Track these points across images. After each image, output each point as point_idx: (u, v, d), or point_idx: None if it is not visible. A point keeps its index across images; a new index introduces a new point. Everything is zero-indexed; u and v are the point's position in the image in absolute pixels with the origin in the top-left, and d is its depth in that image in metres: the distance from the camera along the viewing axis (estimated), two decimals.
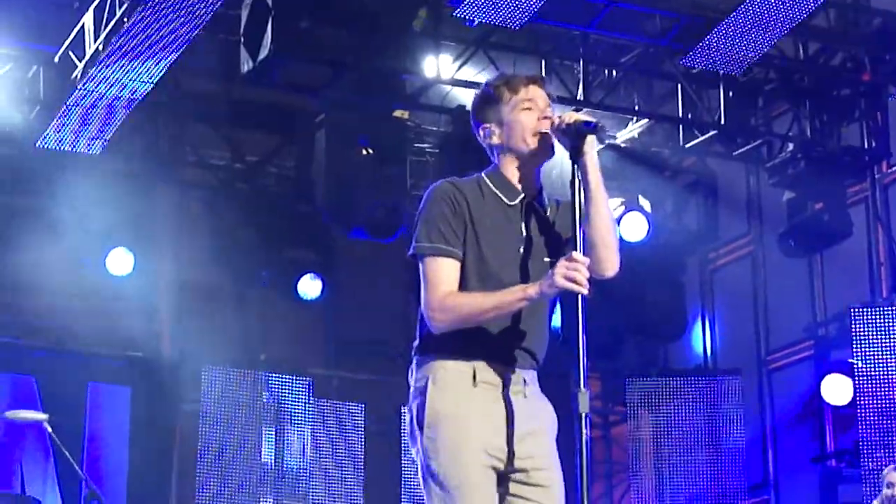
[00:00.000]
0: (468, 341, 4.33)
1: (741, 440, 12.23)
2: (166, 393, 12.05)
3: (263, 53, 10.07)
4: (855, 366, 11.03)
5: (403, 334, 10.97)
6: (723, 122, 11.61)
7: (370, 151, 11.13)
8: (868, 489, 10.56)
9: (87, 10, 9.91)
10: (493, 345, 4.35)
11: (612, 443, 13.62)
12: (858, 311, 11.13)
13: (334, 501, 11.89)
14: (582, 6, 10.68)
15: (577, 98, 11.17)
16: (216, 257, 12.22)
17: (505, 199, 4.44)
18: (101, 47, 9.76)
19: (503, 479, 4.35)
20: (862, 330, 11.04)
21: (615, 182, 11.38)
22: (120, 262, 11.41)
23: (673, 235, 12.54)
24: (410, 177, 11.70)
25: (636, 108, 12.02)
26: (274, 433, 11.86)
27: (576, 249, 4.21)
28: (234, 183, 12.26)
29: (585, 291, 4.16)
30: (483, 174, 4.50)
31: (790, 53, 11.55)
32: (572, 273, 4.14)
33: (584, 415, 4.13)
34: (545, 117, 4.43)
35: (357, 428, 12.09)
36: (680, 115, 11.68)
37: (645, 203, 12.06)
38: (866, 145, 11.77)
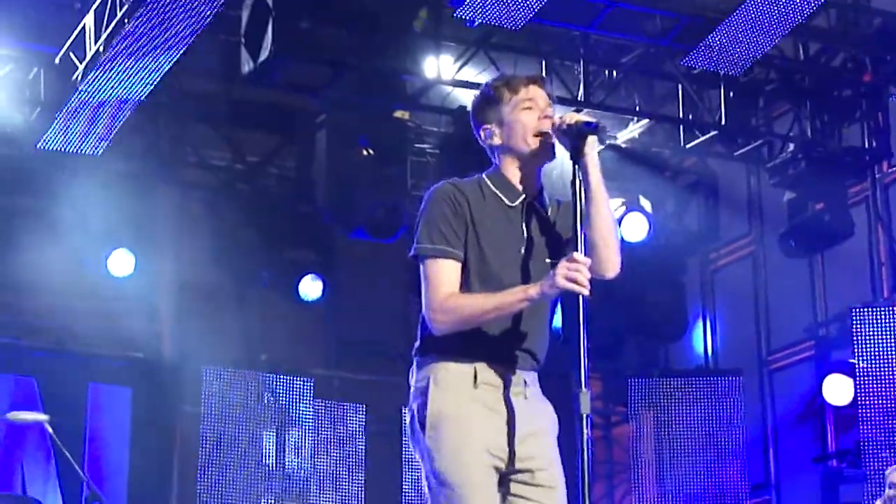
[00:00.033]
0: (469, 342, 4.33)
1: (742, 440, 12.21)
2: (167, 393, 12.04)
3: (264, 54, 10.07)
4: (856, 366, 11.03)
5: (404, 335, 10.97)
6: (723, 122, 11.60)
7: (371, 152, 11.12)
8: (869, 489, 10.56)
9: (88, 11, 9.89)
10: (494, 346, 4.35)
11: (613, 443, 13.61)
12: (859, 312, 11.12)
13: (335, 502, 11.89)
14: (582, 6, 10.67)
15: (578, 98, 11.17)
16: (217, 258, 12.21)
17: (506, 200, 4.44)
18: (101, 48, 9.75)
19: (504, 479, 4.35)
20: (863, 330, 11.03)
21: (616, 182, 11.37)
22: (121, 262, 11.40)
23: (674, 236, 12.55)
24: (411, 177, 11.69)
25: (637, 108, 12.01)
26: (274, 434, 11.84)
27: (577, 250, 4.21)
28: (235, 183, 12.25)
29: (586, 292, 4.16)
30: (484, 175, 4.50)
31: (791, 54, 11.54)
32: (573, 274, 4.14)
33: (585, 415, 4.13)
34: (546, 117, 4.43)
35: (357, 428, 12.06)
36: (680, 115, 11.67)
37: (646, 203, 12.06)
38: (867, 145, 11.76)
